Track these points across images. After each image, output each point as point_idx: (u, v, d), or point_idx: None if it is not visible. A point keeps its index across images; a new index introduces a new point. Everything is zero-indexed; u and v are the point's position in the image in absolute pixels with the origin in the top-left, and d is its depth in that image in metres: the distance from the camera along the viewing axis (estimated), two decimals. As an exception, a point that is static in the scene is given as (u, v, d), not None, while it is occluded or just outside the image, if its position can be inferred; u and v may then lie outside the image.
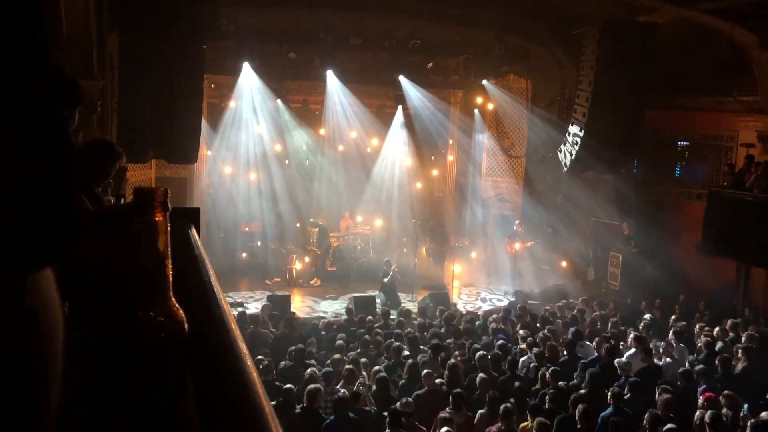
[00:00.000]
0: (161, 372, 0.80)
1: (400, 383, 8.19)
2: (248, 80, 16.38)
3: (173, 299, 0.82)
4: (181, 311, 0.82)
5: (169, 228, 0.81)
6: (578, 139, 14.31)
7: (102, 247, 1.38)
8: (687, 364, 8.94)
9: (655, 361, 9.15)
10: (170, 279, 0.82)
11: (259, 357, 8.47)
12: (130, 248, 0.81)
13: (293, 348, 9.08)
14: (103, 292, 0.95)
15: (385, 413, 6.70)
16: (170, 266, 0.81)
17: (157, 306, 0.80)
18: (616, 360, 8.87)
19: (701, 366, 8.54)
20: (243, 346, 0.85)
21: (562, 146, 15.26)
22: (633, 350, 9.35)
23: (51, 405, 0.48)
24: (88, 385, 0.83)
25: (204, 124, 13.46)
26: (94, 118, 9.68)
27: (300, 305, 14.72)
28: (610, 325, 11.63)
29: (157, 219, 0.80)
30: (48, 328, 0.46)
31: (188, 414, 0.81)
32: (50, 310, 0.46)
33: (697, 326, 11.17)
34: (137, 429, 0.81)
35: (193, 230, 1.73)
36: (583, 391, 7.79)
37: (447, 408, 7.16)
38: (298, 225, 18.21)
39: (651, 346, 9.47)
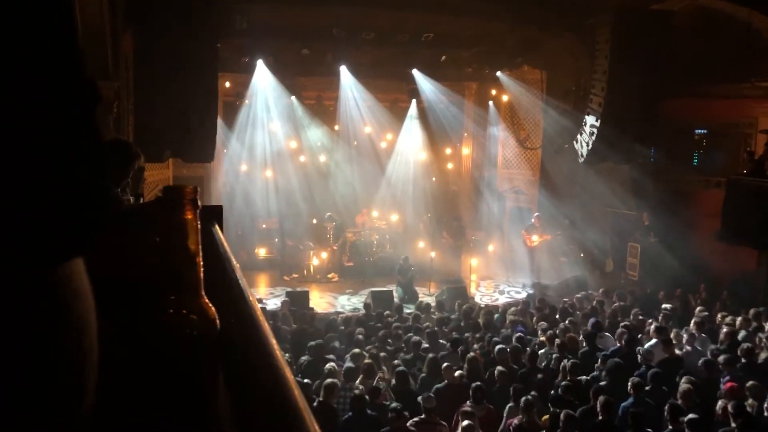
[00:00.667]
0: (194, 369, 0.81)
1: (420, 377, 8.20)
2: (262, 78, 16.43)
3: (205, 296, 0.83)
4: (213, 308, 0.83)
5: (199, 225, 0.81)
6: (594, 130, 14.21)
7: (130, 245, 1.40)
8: (709, 354, 8.86)
9: (676, 351, 9.08)
10: (201, 276, 0.82)
11: (280, 353, 8.49)
12: (161, 246, 0.81)
13: (313, 343, 9.11)
14: (135, 291, 0.96)
15: (398, 407, 6.70)
16: (201, 263, 0.82)
17: (189, 303, 0.81)
18: (638, 349, 8.81)
19: (724, 356, 8.45)
20: (274, 342, 0.85)
21: (578, 137, 15.16)
22: (654, 341, 9.28)
23: (88, 396, 0.49)
24: (121, 384, 0.84)
25: (220, 122, 13.52)
26: (110, 119, 9.74)
27: (318, 301, 14.76)
28: (630, 315, 11.56)
29: (187, 217, 0.80)
30: (82, 319, 0.46)
31: (222, 411, 0.82)
32: (83, 302, 0.47)
33: (719, 315, 11.06)
34: (171, 426, 0.82)
35: (217, 228, 1.74)
36: (603, 383, 7.75)
37: (468, 402, 7.16)
38: (314, 221, 18.25)
39: (672, 336, 9.39)
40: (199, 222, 0.81)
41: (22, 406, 0.42)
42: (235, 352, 0.85)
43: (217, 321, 0.83)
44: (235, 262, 1.37)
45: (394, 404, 6.76)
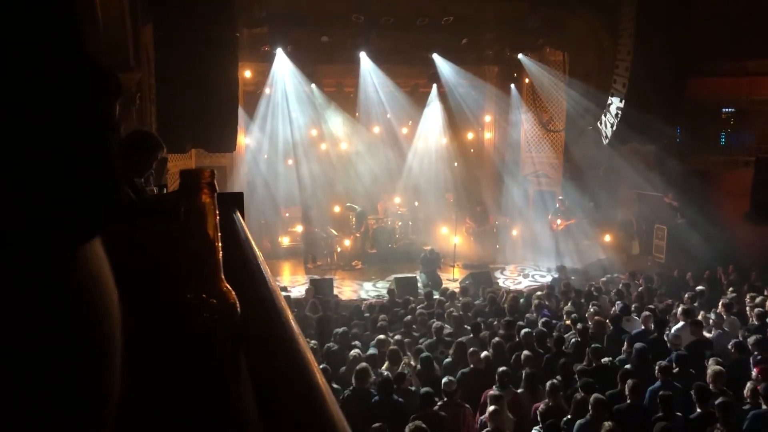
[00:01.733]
0: (214, 353, 0.80)
1: (445, 362, 8.20)
2: (282, 66, 16.45)
3: (225, 281, 0.82)
4: (233, 293, 0.82)
5: (217, 209, 0.80)
6: (618, 111, 14.00)
7: (151, 233, 1.40)
8: (740, 336, 8.73)
9: (705, 333, 8.96)
10: (221, 260, 0.81)
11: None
12: (179, 231, 0.80)
13: (339, 330, 9.16)
14: (156, 278, 0.96)
15: (422, 393, 6.71)
16: (220, 247, 0.81)
17: (209, 288, 0.80)
18: (666, 333, 8.72)
19: (754, 336, 8.32)
20: (296, 327, 0.84)
21: (602, 118, 14.95)
22: (681, 323, 9.17)
23: (112, 389, 0.48)
24: (142, 371, 0.84)
25: (241, 111, 13.56)
26: (133, 110, 9.82)
27: (342, 288, 14.82)
28: (656, 298, 11.44)
29: (204, 200, 0.79)
30: (102, 308, 0.46)
31: (243, 395, 0.81)
32: (103, 290, 0.46)
33: (748, 297, 10.89)
34: (192, 411, 0.81)
35: (238, 214, 1.73)
36: (630, 366, 7.69)
37: (494, 386, 7.15)
38: (337, 209, 18.29)
39: (700, 318, 9.27)
40: (216, 205, 0.80)
41: (40, 396, 0.41)
42: (256, 337, 0.84)
43: (238, 305, 0.82)
44: (256, 249, 1.36)
45: (424, 389, 6.77)
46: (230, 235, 1.42)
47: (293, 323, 0.85)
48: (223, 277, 0.82)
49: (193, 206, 0.79)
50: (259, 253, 1.26)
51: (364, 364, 7.32)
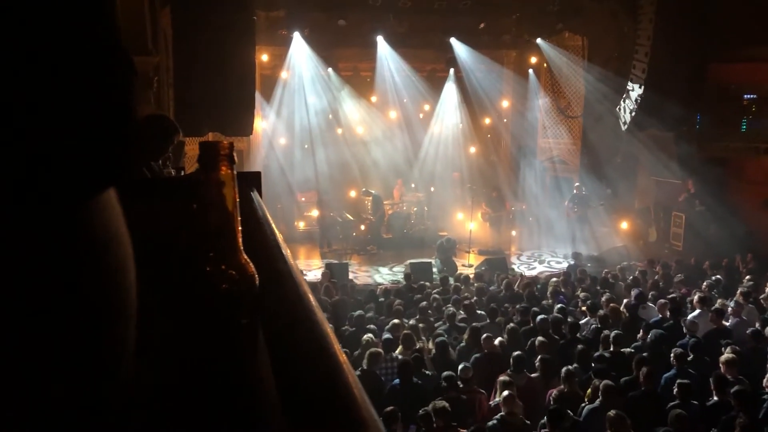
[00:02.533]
0: (232, 325, 0.81)
1: (459, 347, 8.22)
2: (299, 50, 16.41)
3: (243, 254, 0.82)
4: (252, 265, 0.82)
5: (236, 180, 0.81)
6: (638, 96, 13.85)
7: (168, 210, 1.41)
8: (758, 325, 8.66)
9: (722, 322, 8.90)
10: (239, 232, 0.82)
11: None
12: (198, 203, 0.81)
13: (354, 314, 9.20)
14: (175, 253, 0.97)
15: (444, 376, 6.74)
16: (239, 219, 0.81)
17: (227, 260, 0.80)
18: (683, 320, 8.67)
19: (772, 326, 8.26)
20: (313, 300, 0.84)
21: (620, 104, 14.81)
22: (698, 311, 9.11)
23: (127, 345, 0.48)
24: (160, 342, 0.85)
25: (258, 95, 13.58)
26: (150, 94, 9.86)
27: (357, 272, 14.87)
28: (673, 286, 11.36)
29: (223, 172, 0.80)
30: (119, 261, 0.46)
31: (261, 366, 0.82)
32: (121, 246, 0.46)
33: (767, 286, 10.78)
34: (211, 382, 0.82)
35: (256, 193, 1.74)
36: (645, 353, 7.66)
37: (507, 371, 7.17)
38: (353, 193, 18.30)
39: (718, 306, 9.19)
40: (235, 177, 0.81)
41: (56, 344, 0.42)
42: (274, 309, 0.85)
43: (257, 277, 0.82)
44: (273, 226, 1.37)
45: (445, 373, 6.80)
46: (248, 212, 1.42)
47: (311, 296, 0.86)
48: (242, 249, 0.82)
49: (212, 178, 0.79)
50: (276, 230, 1.27)
51: (376, 349, 7.37)
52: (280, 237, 1.24)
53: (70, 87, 0.40)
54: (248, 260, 0.82)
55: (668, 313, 9.12)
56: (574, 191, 16.49)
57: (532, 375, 7.28)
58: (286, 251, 1.15)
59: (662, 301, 9.55)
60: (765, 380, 6.92)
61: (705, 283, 10.87)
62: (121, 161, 0.44)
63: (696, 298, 9.62)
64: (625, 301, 10.01)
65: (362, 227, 17.09)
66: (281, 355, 0.77)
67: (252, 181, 1.83)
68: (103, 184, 0.44)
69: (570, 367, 6.93)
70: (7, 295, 0.39)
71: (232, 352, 0.81)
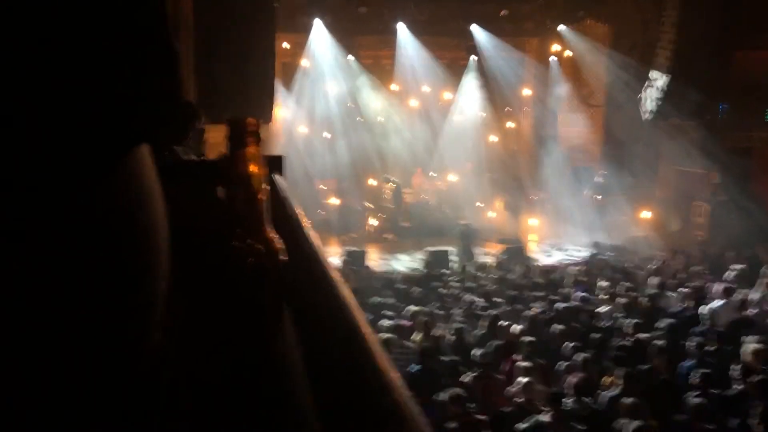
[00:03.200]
0: (260, 297, 0.83)
1: (475, 333, 8.22)
2: (320, 37, 16.38)
3: (270, 229, 0.84)
4: (278, 240, 0.84)
5: (262, 157, 0.82)
6: (661, 85, 13.67)
7: (194, 190, 1.43)
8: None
9: (745, 312, 8.80)
10: (266, 208, 0.84)
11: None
12: (226, 180, 0.83)
13: (371, 300, 9.23)
14: (203, 231, 0.99)
15: (462, 360, 6.76)
16: (266, 195, 0.83)
17: (254, 234, 0.83)
18: (702, 309, 8.58)
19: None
20: (336, 275, 0.86)
21: (643, 93, 14.63)
22: (720, 301, 9.01)
23: (159, 303, 0.50)
24: (188, 312, 0.87)
25: (278, 83, 13.58)
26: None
27: (376, 260, 14.88)
28: (695, 276, 11.24)
29: (250, 148, 0.82)
30: (153, 221, 0.48)
31: (287, 337, 0.84)
32: (155, 205, 0.48)
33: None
34: (236, 351, 0.85)
35: (278, 176, 1.76)
36: (663, 342, 7.61)
37: (520, 355, 7.17)
38: (372, 181, 18.29)
39: (740, 296, 9.08)
40: (261, 153, 0.83)
41: (90, 296, 0.43)
42: (299, 283, 0.87)
43: (283, 252, 0.84)
44: (296, 207, 1.39)
45: (456, 359, 6.82)
46: (271, 193, 1.44)
47: (334, 271, 0.88)
48: (268, 225, 0.84)
49: (239, 154, 0.81)
50: (299, 210, 1.29)
51: (390, 335, 7.39)
52: (301, 215, 1.27)
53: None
54: (275, 236, 0.84)
55: (690, 303, 9.04)
56: (599, 179, 16.29)
57: (546, 362, 7.26)
58: (309, 231, 1.17)
59: (684, 290, 9.46)
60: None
61: (728, 273, 10.73)
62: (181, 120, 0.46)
63: (720, 288, 9.52)
64: (644, 290, 9.93)
65: (381, 215, 17.08)
66: (307, 327, 0.79)
67: (275, 164, 1.85)
68: (143, 137, 0.46)
69: (587, 354, 6.91)
70: (45, 241, 0.41)
71: (258, 324, 0.83)
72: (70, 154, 0.41)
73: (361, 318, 0.72)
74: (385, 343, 7.10)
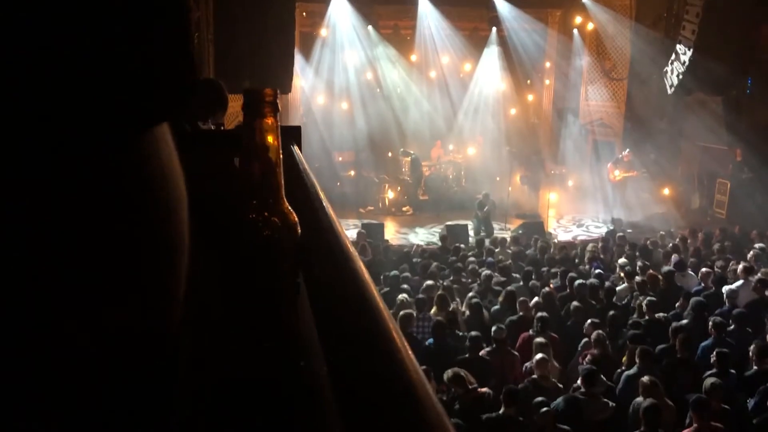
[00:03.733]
0: (276, 271, 0.81)
1: (493, 309, 8.23)
2: (339, 7, 16.23)
3: (286, 202, 0.83)
4: (294, 214, 0.83)
5: (279, 128, 0.80)
6: (686, 59, 13.43)
7: (211, 162, 1.42)
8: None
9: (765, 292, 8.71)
10: (282, 181, 0.82)
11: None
12: (242, 150, 0.81)
13: (389, 274, 9.25)
14: (218, 203, 0.98)
15: (471, 337, 6.78)
16: (282, 167, 0.81)
17: (270, 207, 0.81)
18: (724, 288, 8.50)
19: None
20: (353, 249, 0.85)
21: (668, 66, 14.38)
22: (741, 281, 8.92)
23: (178, 286, 0.49)
24: (203, 287, 0.86)
25: (297, 53, 13.52)
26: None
27: (393, 233, 14.90)
28: (716, 254, 11.13)
29: (267, 119, 0.79)
30: (172, 202, 0.46)
31: (301, 313, 0.83)
32: (173, 186, 0.46)
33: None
34: (251, 326, 0.84)
35: (296, 148, 1.74)
36: (684, 321, 7.57)
37: (532, 331, 7.19)
38: (390, 154, 18.23)
39: (761, 276, 8.99)
40: (279, 124, 0.80)
41: (107, 282, 0.42)
42: (315, 256, 0.86)
43: (298, 225, 0.83)
44: (314, 179, 1.37)
45: (473, 333, 6.85)
46: (288, 164, 1.43)
47: (350, 245, 0.86)
48: (284, 198, 0.83)
49: (256, 124, 0.79)
50: (316, 183, 1.27)
51: (407, 310, 7.41)
52: (319, 188, 1.25)
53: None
54: (290, 209, 0.82)
55: (710, 282, 8.97)
56: (622, 156, 16.09)
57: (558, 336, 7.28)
58: (327, 204, 1.15)
59: (705, 269, 9.37)
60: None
61: (750, 253, 10.60)
62: (185, 88, 0.44)
63: (740, 267, 9.42)
64: (664, 268, 9.85)
65: (399, 188, 17.05)
66: (323, 304, 0.78)
67: (292, 135, 1.83)
68: (156, 117, 0.44)
69: (601, 331, 6.90)
70: (65, 220, 0.40)
71: (273, 298, 0.82)
72: (80, 136, 0.39)
73: (376, 293, 0.70)
74: (403, 318, 7.14)
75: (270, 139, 0.79)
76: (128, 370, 0.44)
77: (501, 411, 5.51)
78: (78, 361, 0.41)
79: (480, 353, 6.65)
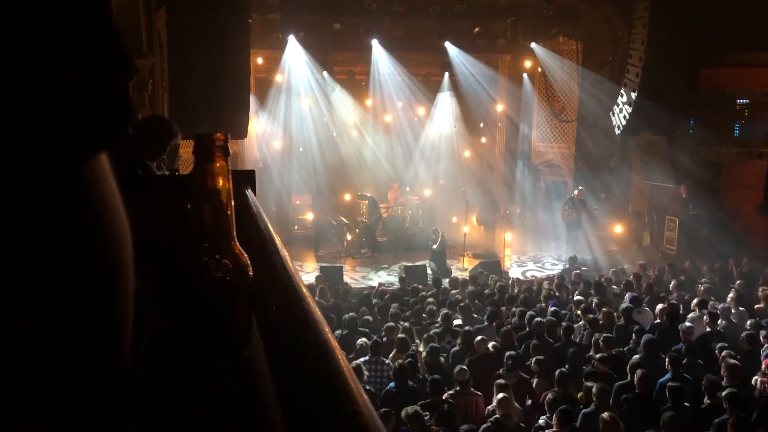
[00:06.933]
0: (228, 313, 0.81)
1: (452, 350, 8.22)
2: (294, 53, 16.39)
3: (237, 244, 0.83)
4: (245, 255, 0.83)
5: (230, 172, 0.81)
6: (631, 101, 13.90)
7: (162, 205, 1.41)
8: (748, 327, 8.69)
9: (715, 325, 8.92)
10: (233, 223, 0.82)
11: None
12: (192, 194, 0.81)
13: (347, 316, 9.18)
14: (169, 246, 0.97)
15: (430, 381, 6.75)
16: (233, 210, 0.82)
17: (222, 250, 0.81)
18: (680, 325, 8.66)
19: (766, 330, 8.28)
20: (305, 289, 0.85)
21: (614, 108, 14.85)
22: (695, 314, 9.13)
23: (125, 325, 0.48)
24: (157, 329, 0.85)
25: (253, 98, 13.56)
26: (145, 96, 9.86)
27: (351, 276, 14.85)
28: (667, 290, 11.38)
29: (218, 163, 0.80)
30: (115, 234, 0.46)
31: (254, 353, 0.82)
32: (115, 218, 0.46)
33: (760, 290, 10.79)
34: (205, 367, 0.83)
35: (250, 191, 1.75)
36: (638, 357, 7.67)
37: (500, 370, 7.19)
38: (347, 197, 18.29)
39: (711, 309, 9.22)
40: (230, 168, 0.81)
41: (52, 317, 0.42)
42: (267, 298, 0.86)
43: (250, 268, 0.83)
44: (267, 221, 1.37)
45: (435, 376, 6.81)
46: (242, 208, 1.43)
47: (303, 286, 0.86)
48: (235, 240, 0.83)
49: (207, 168, 0.80)
50: (269, 224, 1.28)
51: (357, 361, 7.34)
52: (273, 230, 1.25)
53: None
54: (242, 251, 0.83)
55: (662, 317, 9.14)
56: (575, 193, 16.47)
57: (525, 376, 7.29)
58: (281, 246, 1.15)
59: (661, 306, 9.55)
60: (756, 382, 6.95)
61: (701, 287, 10.88)
62: (119, 126, 0.44)
63: (695, 301, 9.66)
64: (622, 305, 10.01)
65: (357, 230, 17.07)
66: (274, 342, 0.78)
67: (246, 178, 1.83)
68: (94, 149, 0.44)
69: (563, 369, 6.94)
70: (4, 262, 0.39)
71: (226, 338, 0.82)
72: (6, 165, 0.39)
73: (329, 334, 0.71)
74: (358, 369, 7.06)
75: (221, 182, 0.80)
76: (74, 398, 0.43)
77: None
78: (19, 413, 0.41)
79: (444, 396, 6.62)
